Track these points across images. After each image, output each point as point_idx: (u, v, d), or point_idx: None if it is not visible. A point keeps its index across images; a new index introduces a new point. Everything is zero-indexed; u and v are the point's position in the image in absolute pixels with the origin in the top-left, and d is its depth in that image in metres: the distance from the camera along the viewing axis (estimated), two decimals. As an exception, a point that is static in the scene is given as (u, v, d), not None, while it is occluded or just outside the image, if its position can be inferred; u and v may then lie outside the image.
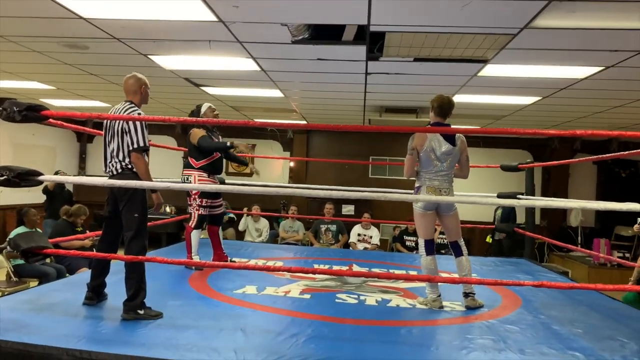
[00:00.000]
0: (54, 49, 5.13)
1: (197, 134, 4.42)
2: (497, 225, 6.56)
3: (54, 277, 5.37)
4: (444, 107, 3.55)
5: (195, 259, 4.51)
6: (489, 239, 8.32)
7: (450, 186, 3.64)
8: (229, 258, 4.93)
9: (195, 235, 4.55)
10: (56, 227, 6.24)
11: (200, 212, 4.55)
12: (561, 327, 3.24)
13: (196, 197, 4.53)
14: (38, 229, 5.92)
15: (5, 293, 4.79)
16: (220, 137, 4.69)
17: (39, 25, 4.38)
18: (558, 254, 9.91)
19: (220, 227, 4.90)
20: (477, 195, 5.73)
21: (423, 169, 3.62)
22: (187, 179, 4.48)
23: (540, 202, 3.17)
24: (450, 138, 3.56)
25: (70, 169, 11.44)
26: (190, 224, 4.57)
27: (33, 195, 9.73)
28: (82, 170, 11.72)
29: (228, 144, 4.29)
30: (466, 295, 3.63)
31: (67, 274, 5.70)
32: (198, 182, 4.44)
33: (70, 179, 6.52)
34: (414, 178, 3.70)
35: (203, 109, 4.61)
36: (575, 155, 10.19)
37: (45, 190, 8.26)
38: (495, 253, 7.80)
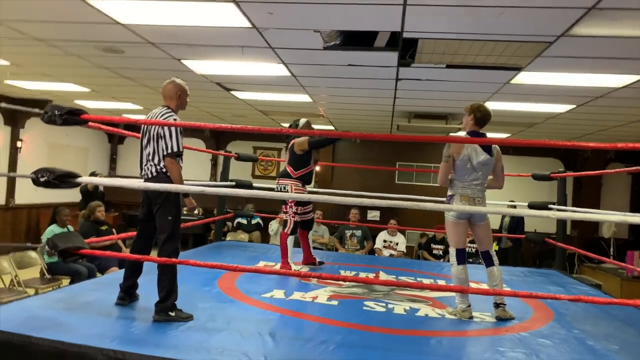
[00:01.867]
0: (91, 52, 5.26)
1: (303, 141, 4.71)
2: (528, 235, 6.44)
3: (85, 276, 5.49)
4: (487, 118, 3.57)
5: (290, 263, 4.81)
6: (495, 247, 8.21)
7: (483, 195, 3.60)
8: (317, 260, 5.12)
9: (291, 241, 4.84)
10: (81, 230, 6.35)
11: (295, 219, 4.83)
12: (596, 343, 3.15)
13: (292, 205, 4.79)
14: (70, 227, 6.06)
15: (39, 290, 4.92)
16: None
17: (77, 29, 4.50)
18: (589, 266, 9.66)
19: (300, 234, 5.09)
20: (506, 203, 5.63)
21: (457, 178, 3.58)
22: (284, 187, 4.73)
23: (577, 214, 3.09)
24: (487, 148, 3.53)
25: (102, 169, 11.70)
26: (286, 230, 4.85)
27: (67, 194, 9.96)
28: (112, 170, 11.99)
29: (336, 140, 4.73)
30: (497, 305, 3.57)
31: (98, 273, 5.81)
32: (294, 191, 4.69)
33: (107, 181, 6.70)
34: (446, 186, 3.66)
35: (301, 123, 4.91)
36: (609, 165, 9.95)
37: (85, 190, 8.51)
38: (501, 262, 7.71)
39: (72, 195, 10.26)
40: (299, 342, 2.82)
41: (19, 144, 9.18)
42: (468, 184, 3.55)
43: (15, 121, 9.15)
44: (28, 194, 9.37)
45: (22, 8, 4.01)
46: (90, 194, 8.51)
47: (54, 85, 7.42)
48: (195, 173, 10.94)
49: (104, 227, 6.44)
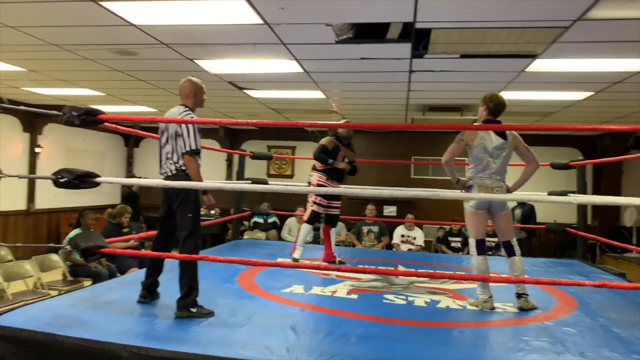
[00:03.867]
0: (105, 55, 5.31)
1: (322, 141, 4.96)
2: (548, 225, 6.35)
3: (106, 277, 5.55)
4: (500, 107, 3.52)
5: (299, 249, 4.97)
6: None
7: (502, 185, 3.55)
8: (337, 259, 5.11)
9: (305, 229, 5.01)
10: (103, 231, 6.43)
11: (314, 208, 4.97)
12: (622, 330, 3.10)
13: (314, 194, 4.96)
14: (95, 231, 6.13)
15: (62, 292, 4.99)
16: (351, 150, 5.11)
17: (90, 33, 4.54)
18: (611, 255, 9.52)
19: (333, 228, 5.20)
20: (522, 193, 5.56)
21: (474, 168, 3.54)
22: (310, 178, 5.03)
23: (596, 198, 3.03)
24: (501, 133, 3.50)
25: (118, 172, 11.83)
26: (304, 217, 5.06)
27: (87, 198, 10.16)
28: (129, 173, 12.10)
29: (329, 161, 4.82)
30: (519, 296, 3.53)
31: (118, 274, 5.88)
32: (317, 182, 4.90)
33: (128, 181, 6.84)
34: (449, 167, 3.57)
35: (340, 130, 5.00)
36: (629, 152, 9.77)
37: (128, 193, 8.67)
38: None
39: (92, 199, 10.46)
40: (320, 335, 2.81)
41: (37, 150, 9.33)
42: (487, 175, 3.51)
43: (34, 128, 9.29)
44: (48, 198, 9.53)
45: (35, 13, 4.06)
46: (133, 195, 8.72)
47: (69, 91, 7.52)
48: (211, 174, 10.98)
49: (125, 230, 6.52)
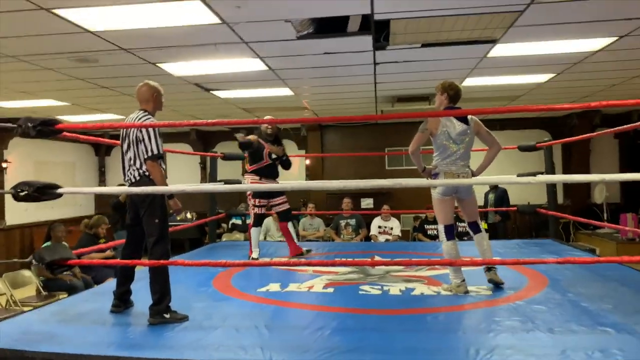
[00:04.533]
0: (65, 64, 5.21)
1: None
2: (519, 207, 6.47)
3: (82, 290, 5.46)
4: (459, 94, 3.62)
5: (255, 251, 5.03)
6: (484, 225, 8.31)
7: (467, 170, 3.64)
8: (303, 249, 5.24)
9: (254, 232, 5.09)
10: (79, 242, 6.34)
11: (256, 212, 5.03)
12: (590, 304, 3.18)
13: (250, 197, 5.05)
14: (65, 244, 6.03)
15: (36, 307, 4.89)
16: (277, 145, 5.17)
17: (47, 42, 4.45)
18: (584, 233, 9.75)
19: (290, 222, 5.38)
20: (488, 177, 5.66)
21: (439, 156, 3.61)
22: (244, 182, 5.15)
23: (559, 177, 3.12)
24: (462, 119, 3.57)
25: (91, 183, 11.64)
26: (250, 222, 5.12)
27: (59, 211, 10.00)
28: (102, 183, 11.93)
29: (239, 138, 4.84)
30: (489, 269, 3.65)
31: (95, 285, 5.79)
32: (251, 184, 4.98)
33: (90, 190, 6.70)
34: (416, 157, 3.64)
35: (262, 127, 5.09)
36: (596, 130, 9.99)
37: (116, 203, 8.51)
38: (491, 237, 7.88)
39: (64, 212, 10.27)
40: (296, 330, 2.82)
41: (4, 165, 9.11)
42: (452, 161, 3.58)
43: (-2, 142, 9.09)
44: (19, 214, 9.32)
45: (-12, 25, 3.97)
46: (121, 205, 8.56)
47: (34, 103, 7.36)
48: (184, 177, 10.90)
49: (102, 241, 6.42)
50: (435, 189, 3.65)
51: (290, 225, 5.30)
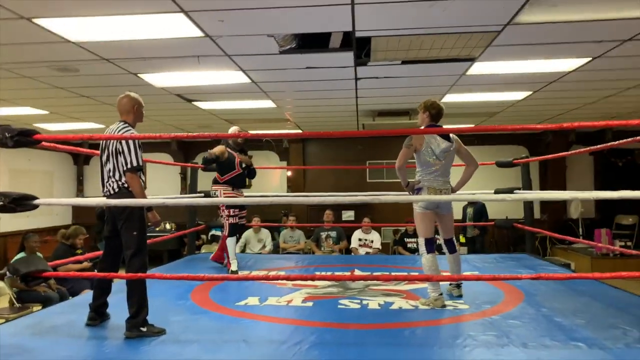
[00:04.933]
0: (45, 73, 5.16)
1: (214, 150, 4.88)
2: (497, 222, 6.57)
3: (57, 301, 5.35)
4: (441, 113, 3.74)
5: (233, 263, 4.96)
6: (462, 239, 8.47)
7: (448, 187, 3.77)
8: (224, 261, 5.22)
9: (231, 242, 5.01)
10: (55, 252, 6.22)
11: (231, 222, 4.97)
12: (564, 319, 3.24)
13: (224, 208, 4.97)
14: (39, 254, 5.91)
15: (9, 320, 4.78)
16: (246, 155, 5.18)
17: (27, 51, 4.42)
18: (560, 247, 9.92)
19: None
20: (472, 193, 5.75)
21: (423, 171, 3.72)
22: (215, 193, 4.99)
23: (536, 195, 3.19)
24: (445, 137, 3.71)
25: (69, 192, 11.46)
26: (225, 233, 5.06)
27: (34, 221, 9.81)
28: (80, 192, 11.75)
29: (205, 155, 4.83)
30: (458, 286, 3.89)
31: (70, 297, 5.69)
32: (224, 195, 4.91)
33: (68, 201, 6.53)
34: (402, 173, 3.76)
35: (230, 131, 5.06)
36: (571, 148, 10.22)
37: (103, 213, 8.35)
38: (470, 251, 8.07)
39: (40, 221, 10.09)
40: (273, 345, 2.82)
41: (-22, 173, 8.93)
42: (434, 177, 3.70)
43: (-27, 150, 8.89)
44: (-8, 223, 9.13)
45: (-33, 32, 3.93)
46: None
47: (10, 110, 7.25)
48: (164, 188, 10.81)
49: (79, 252, 6.31)
50: (418, 202, 3.74)
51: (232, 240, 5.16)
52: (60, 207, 11.13)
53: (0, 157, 9.37)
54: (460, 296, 3.84)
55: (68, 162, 11.75)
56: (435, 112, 3.71)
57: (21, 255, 5.71)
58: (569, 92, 6.53)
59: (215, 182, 5.00)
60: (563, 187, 10.40)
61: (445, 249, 3.94)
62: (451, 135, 3.73)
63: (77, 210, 11.57)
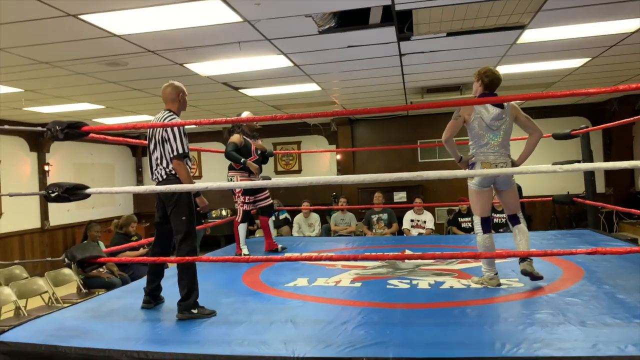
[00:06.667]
0: (96, 68, 5.36)
1: (231, 139, 4.92)
2: (554, 197, 6.26)
3: (119, 287, 5.61)
4: (495, 81, 3.43)
5: (244, 249, 5.08)
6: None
7: (507, 160, 3.46)
8: (279, 246, 5.30)
9: (242, 228, 5.12)
10: (112, 241, 6.50)
11: (244, 208, 5.07)
12: (627, 296, 3.05)
13: (240, 195, 5.02)
14: (101, 243, 6.22)
15: (75, 304, 5.07)
16: (259, 140, 5.26)
17: (77, 47, 4.59)
18: (628, 222, 9.37)
19: (271, 218, 5.45)
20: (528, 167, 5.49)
21: (475, 144, 3.47)
22: (231, 179, 5.00)
23: (593, 165, 2.98)
24: (498, 104, 3.39)
25: (129, 183, 11.98)
26: (237, 219, 5.13)
27: (99, 212, 10.35)
28: (139, 182, 12.25)
29: (242, 161, 4.79)
30: (522, 259, 3.44)
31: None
32: (240, 180, 4.90)
33: (118, 190, 6.84)
34: (450, 145, 3.51)
35: (243, 115, 4.96)
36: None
37: None
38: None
39: (103, 212, 10.63)
40: (320, 325, 2.82)
41: (46, 167, 9.47)
42: (488, 150, 3.42)
43: (41, 147, 9.44)
44: (62, 215, 9.69)
45: (19, 33, 4.12)
46: None
47: (70, 107, 7.61)
48: (218, 177, 11.06)
49: (134, 239, 6.58)
50: (472, 179, 3.50)
51: (270, 221, 5.37)
52: (123, 197, 11.65)
53: (65, 152, 9.92)
54: (533, 274, 3.36)
55: (127, 154, 12.26)
56: (489, 81, 3.40)
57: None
58: (631, 56, 6.07)
59: (231, 168, 5.03)
60: (630, 158, 9.75)
61: (509, 224, 3.62)
62: (506, 104, 3.43)
63: (138, 200, 12.08)
